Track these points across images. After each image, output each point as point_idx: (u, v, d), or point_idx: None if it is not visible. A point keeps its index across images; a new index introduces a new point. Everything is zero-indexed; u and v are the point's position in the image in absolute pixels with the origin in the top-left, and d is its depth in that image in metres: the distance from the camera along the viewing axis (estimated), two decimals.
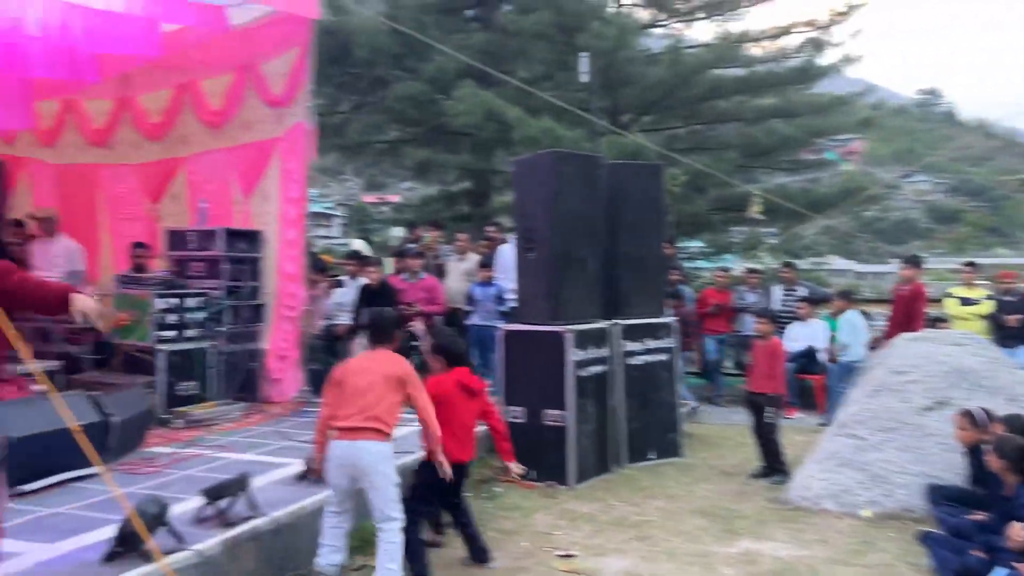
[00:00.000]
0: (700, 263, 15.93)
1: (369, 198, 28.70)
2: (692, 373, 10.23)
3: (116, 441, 5.35)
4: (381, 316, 4.50)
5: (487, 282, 8.42)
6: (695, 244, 15.96)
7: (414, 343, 7.43)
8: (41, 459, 4.72)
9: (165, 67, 7.77)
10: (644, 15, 15.23)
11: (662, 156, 10.47)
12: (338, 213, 35.37)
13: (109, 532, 4.06)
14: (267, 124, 8.27)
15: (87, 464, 5.10)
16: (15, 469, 4.61)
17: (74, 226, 8.78)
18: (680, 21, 15.34)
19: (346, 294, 8.34)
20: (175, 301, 6.97)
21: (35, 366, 5.12)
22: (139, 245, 8.06)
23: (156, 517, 3.76)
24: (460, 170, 15.70)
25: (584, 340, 6.47)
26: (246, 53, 7.91)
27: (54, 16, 5.93)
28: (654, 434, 7.11)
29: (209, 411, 6.84)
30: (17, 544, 3.89)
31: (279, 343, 7.93)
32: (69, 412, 4.41)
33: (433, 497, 4.52)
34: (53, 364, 6.66)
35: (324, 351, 8.11)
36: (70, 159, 9.78)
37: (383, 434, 4.05)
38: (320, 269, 8.71)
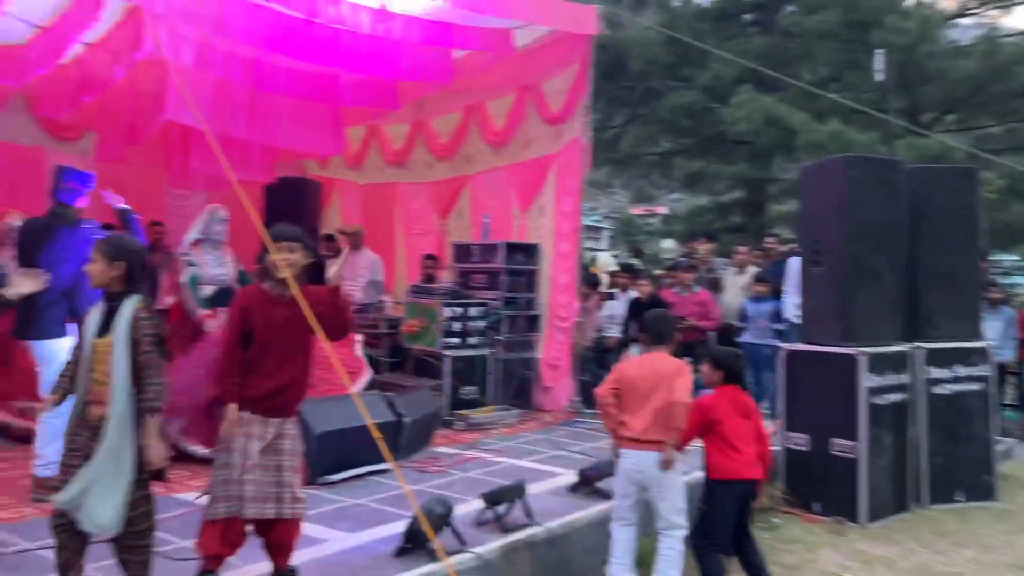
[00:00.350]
0: (1016, 279, 13.94)
1: (636, 210, 28.66)
2: (1008, 405, 8.92)
3: (407, 440, 5.74)
4: (659, 317, 4.42)
5: (761, 297, 7.94)
6: (1011, 258, 13.99)
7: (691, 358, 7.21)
8: (345, 452, 5.17)
9: (455, 91, 8.29)
10: (950, 5, 13.70)
11: (971, 158, 9.28)
12: (606, 226, 35.74)
13: (400, 527, 4.34)
14: (545, 141, 8.51)
15: (383, 460, 5.56)
16: (322, 461, 5.12)
17: (374, 240, 9.66)
18: (995, 8, 13.59)
19: (617, 307, 8.33)
20: (460, 310, 7.37)
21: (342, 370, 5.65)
22: (429, 257, 8.66)
23: (442, 517, 3.93)
24: (733, 180, 15.14)
25: (880, 364, 5.86)
26: (528, 73, 8.21)
27: (362, 50, 6.56)
28: (963, 473, 6.26)
29: (488, 416, 7.15)
30: (324, 531, 4.28)
31: (552, 353, 8.11)
32: (367, 411, 4.79)
33: (728, 523, 4.26)
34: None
35: (594, 363, 8.15)
36: (372, 179, 10.81)
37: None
38: (592, 283, 8.78)
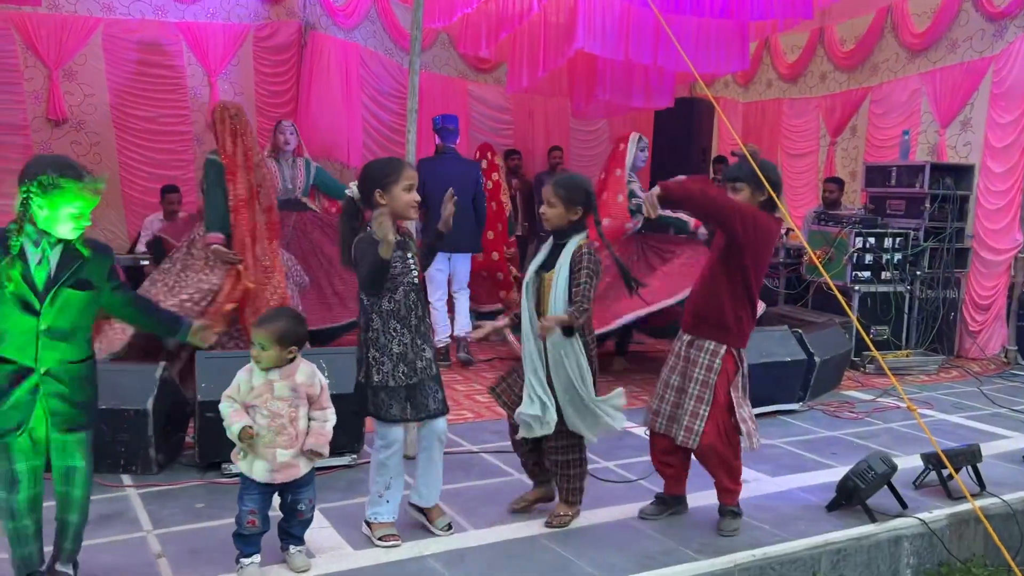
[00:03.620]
0: None
1: None
2: None
3: (816, 380, 5.38)
4: None
5: None
6: None
7: None
8: (754, 388, 4.96)
9: None
10: None
11: None
12: None
13: (822, 476, 4.09)
14: (979, 41, 7.29)
15: (791, 399, 5.30)
16: None
17: None
18: None
19: None
20: (872, 240, 6.68)
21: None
22: (832, 180, 7.93)
23: (883, 477, 3.59)
24: None
25: None
26: None
27: None
28: None
29: (903, 360, 6.47)
30: (744, 470, 4.14)
31: (981, 292, 7.07)
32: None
33: None
34: None
35: None
36: (757, 96, 10.19)
37: None
38: None
